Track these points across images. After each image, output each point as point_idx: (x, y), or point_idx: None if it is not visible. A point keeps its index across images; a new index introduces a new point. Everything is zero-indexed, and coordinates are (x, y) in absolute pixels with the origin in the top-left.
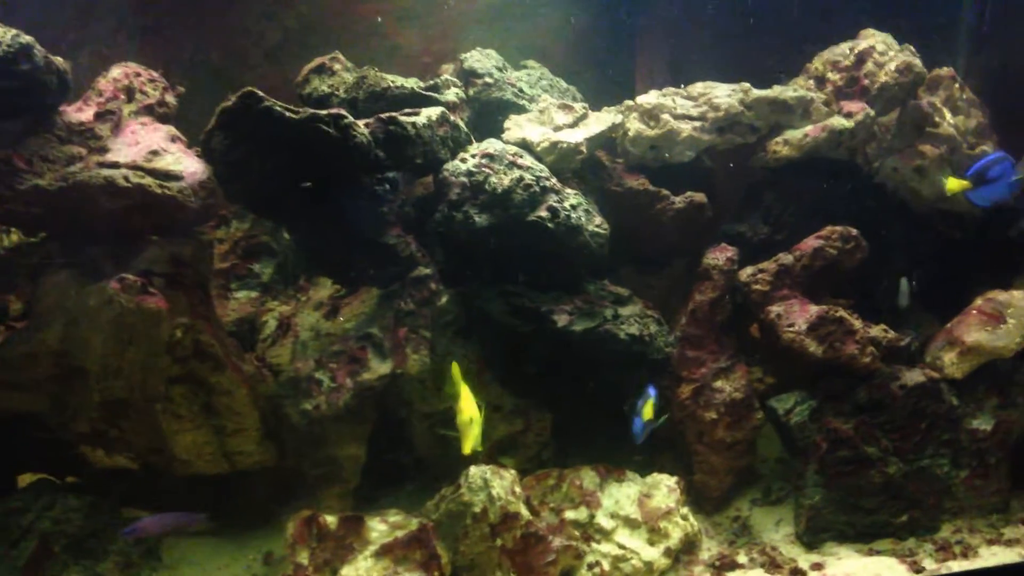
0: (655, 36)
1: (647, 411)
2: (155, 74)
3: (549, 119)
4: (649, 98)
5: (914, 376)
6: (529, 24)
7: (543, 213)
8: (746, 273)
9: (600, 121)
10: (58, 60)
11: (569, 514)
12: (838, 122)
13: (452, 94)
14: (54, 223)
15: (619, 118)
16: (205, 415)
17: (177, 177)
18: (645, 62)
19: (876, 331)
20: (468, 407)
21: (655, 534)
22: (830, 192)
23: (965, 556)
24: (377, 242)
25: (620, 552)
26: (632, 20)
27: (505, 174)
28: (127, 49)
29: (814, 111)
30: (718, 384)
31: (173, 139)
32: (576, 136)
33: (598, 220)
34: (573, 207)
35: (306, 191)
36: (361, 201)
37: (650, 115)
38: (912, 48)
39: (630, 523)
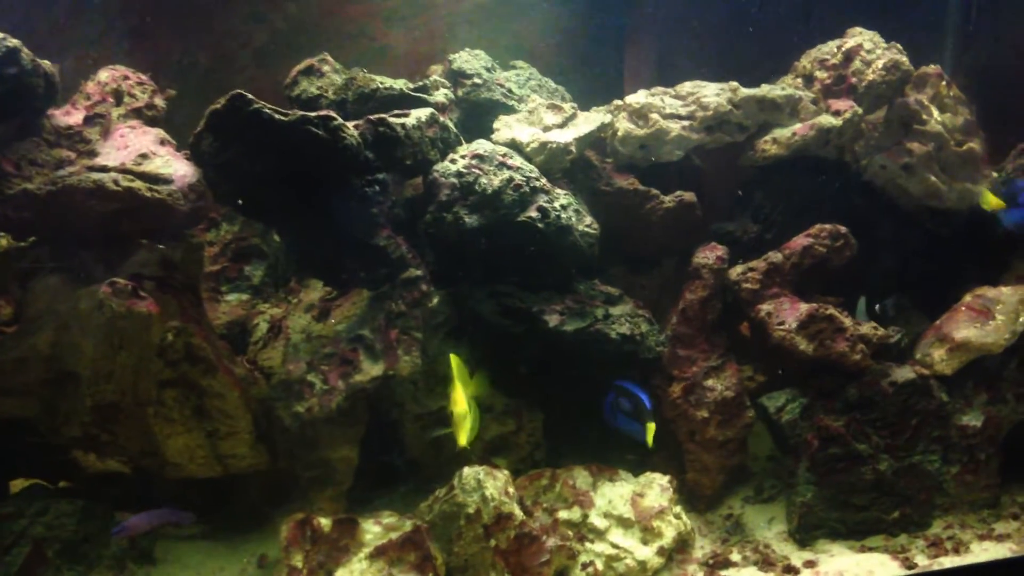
0: (643, 36)
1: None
2: (143, 77)
3: (538, 119)
4: (638, 98)
5: (904, 373)
6: (517, 25)
7: (533, 213)
8: (736, 272)
9: (589, 121)
10: (45, 63)
11: (562, 514)
12: (826, 120)
13: (441, 95)
14: (43, 227)
15: (608, 118)
16: (197, 418)
17: (167, 180)
18: (633, 62)
19: (866, 328)
20: (461, 400)
21: (648, 533)
22: (819, 190)
23: (957, 552)
24: (367, 244)
25: (614, 551)
26: (620, 20)
27: (495, 175)
28: (115, 52)
29: (802, 109)
30: (709, 383)
31: (162, 142)
32: (565, 136)
33: (588, 220)
34: (563, 207)
35: (296, 193)
36: (351, 203)
37: (639, 115)
38: (899, 46)
39: (623, 522)
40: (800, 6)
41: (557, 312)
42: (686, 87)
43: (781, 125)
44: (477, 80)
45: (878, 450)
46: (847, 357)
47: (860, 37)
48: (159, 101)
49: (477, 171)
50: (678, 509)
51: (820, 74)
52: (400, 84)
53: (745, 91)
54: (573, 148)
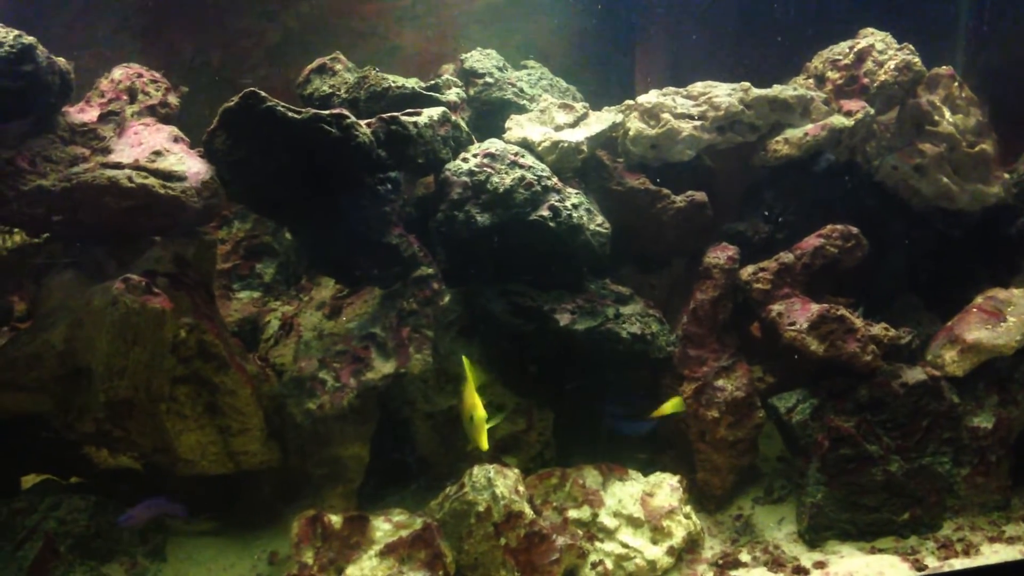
0: (655, 36)
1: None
2: (157, 75)
3: (550, 119)
4: (649, 97)
5: (915, 374)
6: (529, 24)
7: (545, 212)
8: (747, 272)
9: (601, 120)
10: (61, 61)
11: (572, 513)
12: (838, 121)
13: (453, 94)
14: (58, 224)
15: (619, 117)
16: (209, 415)
17: (180, 177)
18: (645, 61)
19: (877, 329)
20: (478, 403)
21: (658, 533)
22: (830, 191)
23: (967, 554)
24: (379, 242)
25: (623, 551)
26: (631, 20)
27: (507, 173)
28: (129, 50)
29: (814, 110)
30: (720, 383)
31: (176, 139)
32: (577, 135)
33: (599, 219)
34: (575, 206)
35: (308, 191)
36: (363, 201)
37: (650, 114)
38: (911, 47)
39: (633, 522)
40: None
41: (568, 311)
42: (698, 87)
43: (793, 125)
44: (489, 79)
45: (889, 451)
46: (858, 358)
47: (872, 38)
48: (172, 99)
49: (489, 170)
50: (688, 509)
51: (832, 74)
52: (412, 83)
53: (757, 91)
54: (584, 147)
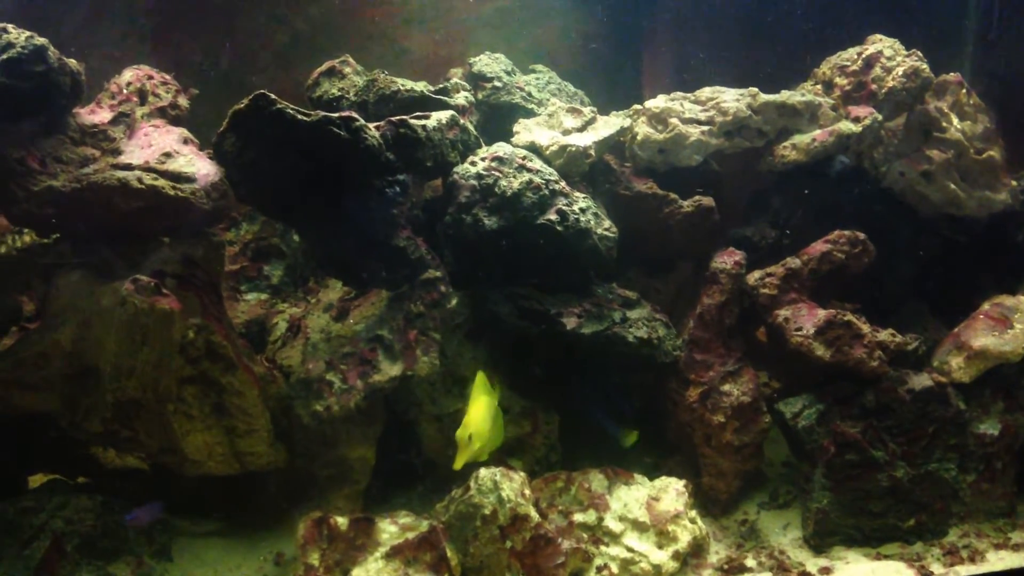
0: (662, 40)
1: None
2: (167, 77)
3: (558, 123)
4: (657, 102)
5: (921, 380)
6: (537, 28)
7: (552, 216)
8: (754, 277)
9: (608, 125)
10: (72, 62)
11: (578, 517)
12: (846, 127)
13: (461, 97)
14: (67, 224)
15: (627, 122)
16: (216, 416)
17: (190, 179)
18: (652, 66)
19: (884, 335)
20: (470, 423)
21: (663, 537)
22: (837, 197)
23: (972, 560)
24: (387, 244)
25: (629, 555)
26: (639, 24)
27: (514, 177)
28: (138, 52)
29: (822, 116)
30: (726, 387)
31: (185, 141)
32: (585, 140)
33: (607, 223)
34: (582, 210)
35: (317, 193)
36: (371, 203)
37: (658, 119)
38: (919, 53)
39: (638, 526)
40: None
41: (575, 314)
42: (705, 92)
43: (800, 131)
44: (497, 83)
45: (895, 457)
46: (865, 364)
47: (880, 44)
48: (182, 101)
49: (497, 173)
50: (693, 513)
51: (840, 80)
52: (421, 86)
53: (765, 97)
54: (592, 152)
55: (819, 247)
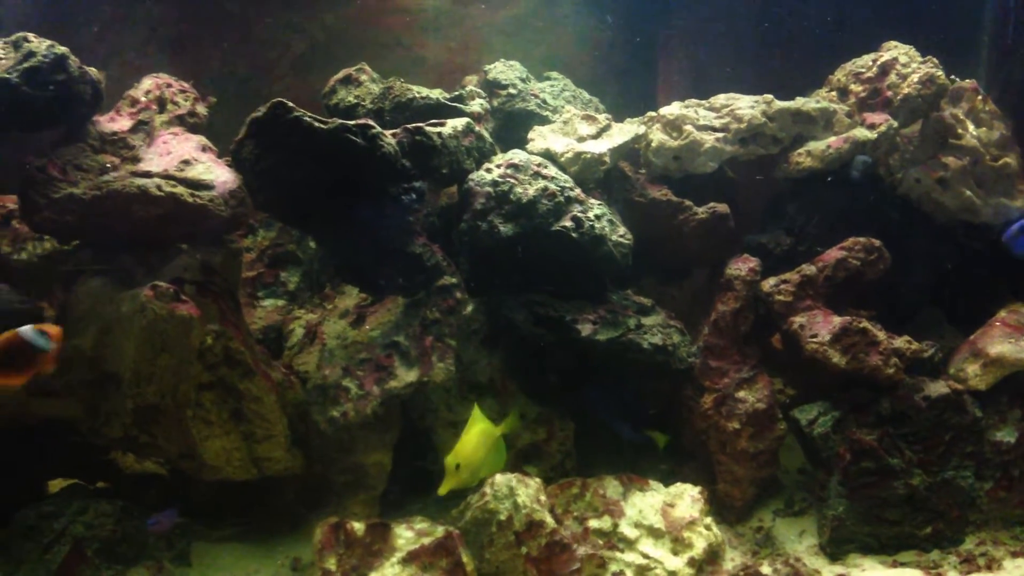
0: (677, 47)
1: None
2: (186, 85)
3: (573, 130)
4: (672, 109)
5: (938, 388)
6: (552, 36)
7: (568, 223)
8: (769, 284)
9: (623, 132)
10: (92, 71)
11: (593, 523)
12: (861, 133)
13: (477, 105)
14: (87, 231)
15: (642, 129)
16: (234, 421)
17: (208, 186)
18: (667, 73)
19: (900, 342)
20: (459, 452)
21: (679, 544)
22: (853, 203)
23: (989, 568)
24: (403, 251)
25: (644, 561)
26: (654, 32)
27: (530, 184)
28: (157, 60)
29: (837, 122)
30: (741, 394)
31: (204, 149)
32: (600, 147)
33: (622, 230)
34: (597, 217)
35: (333, 200)
36: (387, 210)
37: (673, 126)
38: (935, 60)
39: (654, 532)
40: (835, 20)
41: (590, 321)
42: (720, 99)
43: (815, 138)
44: (512, 91)
45: (911, 465)
46: (880, 371)
47: (896, 51)
48: (201, 108)
49: (512, 180)
50: (709, 520)
51: (855, 87)
52: (436, 94)
53: (779, 104)
54: (607, 159)
55: (834, 254)
